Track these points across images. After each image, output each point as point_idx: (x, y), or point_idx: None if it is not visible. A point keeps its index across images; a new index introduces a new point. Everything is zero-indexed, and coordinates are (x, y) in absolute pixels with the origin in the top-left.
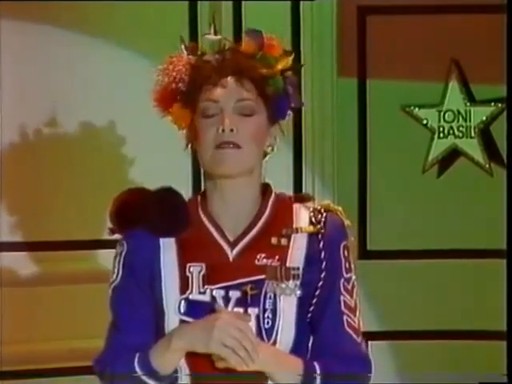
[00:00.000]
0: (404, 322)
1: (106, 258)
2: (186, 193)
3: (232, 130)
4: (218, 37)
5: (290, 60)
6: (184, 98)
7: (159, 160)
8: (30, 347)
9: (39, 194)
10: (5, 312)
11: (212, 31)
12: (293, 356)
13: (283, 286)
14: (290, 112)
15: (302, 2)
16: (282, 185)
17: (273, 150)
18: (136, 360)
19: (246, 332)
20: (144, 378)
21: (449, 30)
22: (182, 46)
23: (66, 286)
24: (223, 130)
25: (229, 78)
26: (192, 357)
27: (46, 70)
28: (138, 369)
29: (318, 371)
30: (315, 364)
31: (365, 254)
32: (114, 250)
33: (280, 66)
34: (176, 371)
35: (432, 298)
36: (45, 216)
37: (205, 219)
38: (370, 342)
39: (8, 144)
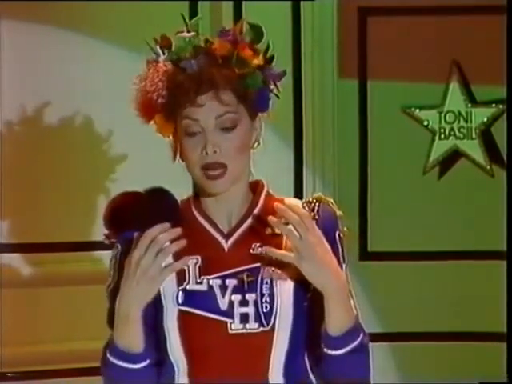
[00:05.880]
0: (404, 324)
1: (107, 260)
2: (187, 192)
3: (215, 152)
4: (192, 33)
5: (264, 55)
6: (165, 111)
7: (160, 160)
8: (30, 349)
9: (40, 195)
10: (5, 313)
11: (185, 29)
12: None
13: (279, 271)
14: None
15: (302, 2)
16: (283, 185)
17: (259, 143)
18: (108, 351)
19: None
20: (120, 363)
21: (449, 32)
22: (158, 47)
23: (67, 288)
24: (207, 153)
25: (206, 95)
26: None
27: (46, 69)
28: (111, 357)
29: (361, 333)
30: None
31: (365, 255)
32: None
33: (256, 61)
34: (146, 353)
35: (432, 299)
36: (46, 217)
37: (198, 216)
38: (370, 344)
39: (9, 144)
